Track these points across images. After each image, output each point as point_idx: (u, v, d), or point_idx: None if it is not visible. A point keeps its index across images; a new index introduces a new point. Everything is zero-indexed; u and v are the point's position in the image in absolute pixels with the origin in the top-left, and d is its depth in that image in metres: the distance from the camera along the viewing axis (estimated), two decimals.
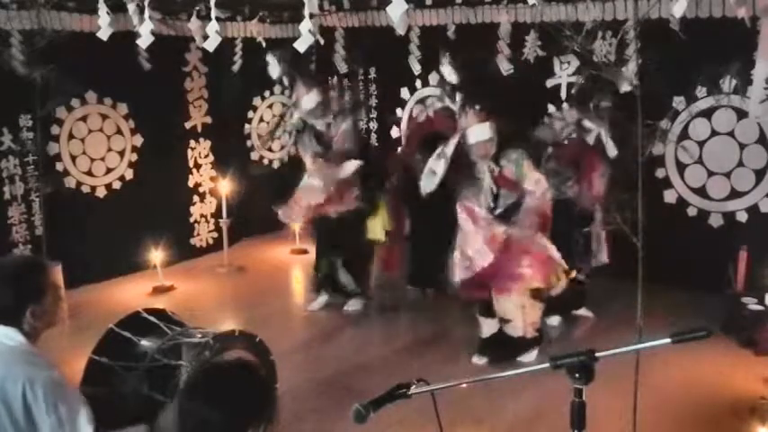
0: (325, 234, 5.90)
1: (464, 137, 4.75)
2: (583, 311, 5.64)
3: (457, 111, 5.00)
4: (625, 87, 3.58)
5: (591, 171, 5.20)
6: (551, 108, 6.49)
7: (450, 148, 4.77)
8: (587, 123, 5.31)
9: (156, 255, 6.45)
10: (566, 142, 5.37)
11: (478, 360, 4.87)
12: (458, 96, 4.99)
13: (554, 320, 5.50)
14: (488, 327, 4.89)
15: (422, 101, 6.23)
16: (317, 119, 5.59)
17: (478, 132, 4.70)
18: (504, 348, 4.83)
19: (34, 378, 2.25)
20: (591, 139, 5.30)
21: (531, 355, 4.89)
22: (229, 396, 1.84)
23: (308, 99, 5.57)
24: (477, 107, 4.74)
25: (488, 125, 4.70)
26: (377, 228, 5.73)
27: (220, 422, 1.81)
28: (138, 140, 6.69)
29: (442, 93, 6.12)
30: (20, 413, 2.23)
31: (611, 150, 5.18)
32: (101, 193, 6.45)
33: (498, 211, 4.76)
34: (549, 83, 6.48)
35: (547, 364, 1.89)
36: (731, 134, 5.78)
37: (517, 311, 4.76)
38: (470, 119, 4.73)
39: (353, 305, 5.88)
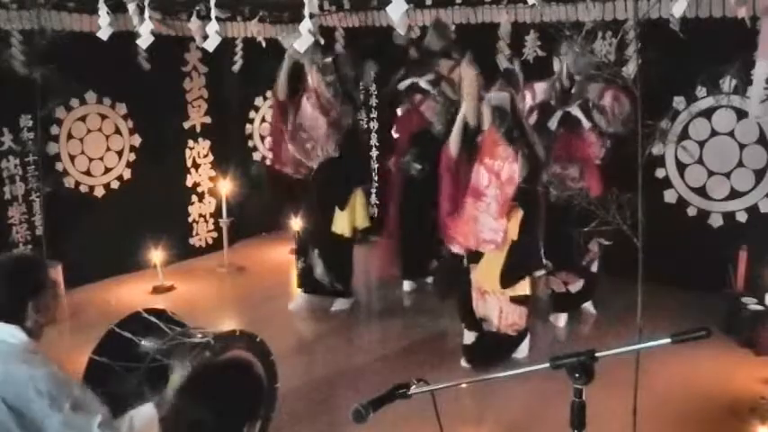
0: (304, 221, 5.90)
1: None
2: (588, 305, 5.64)
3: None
4: None
5: (590, 162, 5.16)
6: None
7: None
8: (554, 103, 5.23)
9: (156, 254, 6.45)
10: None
11: (466, 364, 4.84)
12: None
13: (561, 320, 5.51)
14: (468, 336, 4.88)
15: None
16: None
17: (494, 97, 4.63)
18: (487, 352, 4.81)
19: (37, 376, 2.25)
20: (553, 124, 5.19)
21: (523, 350, 4.94)
22: (224, 395, 1.84)
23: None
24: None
25: (505, 96, 4.61)
26: (343, 222, 5.64)
27: (216, 421, 1.81)
28: (137, 140, 6.69)
29: (411, 68, 6.13)
30: (23, 414, 2.23)
31: (586, 123, 5.11)
32: (99, 192, 6.46)
33: None
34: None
35: (547, 364, 1.90)
36: (731, 134, 5.78)
37: (494, 312, 4.78)
38: (495, 85, 4.70)
39: (340, 304, 5.84)
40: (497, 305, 4.77)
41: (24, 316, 2.38)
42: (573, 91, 5.20)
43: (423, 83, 5.95)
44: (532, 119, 5.21)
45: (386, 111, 7.25)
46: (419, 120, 6.02)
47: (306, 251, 5.82)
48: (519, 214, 4.64)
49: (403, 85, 6.08)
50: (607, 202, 3.52)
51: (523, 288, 4.78)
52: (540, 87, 5.34)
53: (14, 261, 2.58)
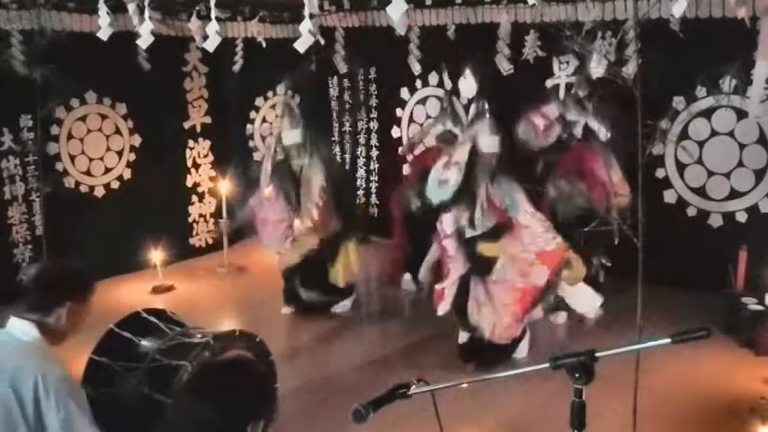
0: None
1: (476, 144, 4.68)
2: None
3: (469, 119, 4.96)
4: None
5: (596, 176, 5.13)
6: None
7: (462, 155, 4.66)
8: (570, 116, 5.26)
9: (156, 254, 6.45)
10: (550, 143, 5.32)
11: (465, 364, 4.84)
12: (472, 107, 4.95)
13: (560, 318, 5.50)
14: (462, 335, 4.90)
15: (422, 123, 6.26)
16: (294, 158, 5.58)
17: (489, 143, 4.67)
18: (485, 353, 4.80)
19: (46, 375, 2.27)
20: (578, 132, 5.23)
21: (523, 350, 4.94)
22: (228, 395, 1.84)
23: (292, 135, 5.55)
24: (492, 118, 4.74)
25: (498, 139, 4.68)
26: (337, 274, 5.66)
27: (219, 421, 1.81)
28: (137, 140, 6.70)
29: (443, 114, 6.17)
30: (30, 408, 2.24)
31: (603, 134, 5.14)
32: (99, 192, 6.47)
33: (475, 232, 4.67)
34: (549, 83, 6.48)
35: (547, 364, 1.90)
36: (731, 134, 5.78)
37: (487, 324, 4.76)
38: (484, 128, 4.70)
39: (341, 306, 5.83)
40: (491, 320, 4.73)
41: (52, 312, 2.40)
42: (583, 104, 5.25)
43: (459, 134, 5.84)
44: (555, 133, 5.27)
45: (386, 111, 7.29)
46: (436, 158, 5.99)
47: (288, 274, 5.78)
48: None
49: (437, 130, 6.10)
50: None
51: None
52: (550, 109, 5.38)
53: (77, 264, 2.68)
